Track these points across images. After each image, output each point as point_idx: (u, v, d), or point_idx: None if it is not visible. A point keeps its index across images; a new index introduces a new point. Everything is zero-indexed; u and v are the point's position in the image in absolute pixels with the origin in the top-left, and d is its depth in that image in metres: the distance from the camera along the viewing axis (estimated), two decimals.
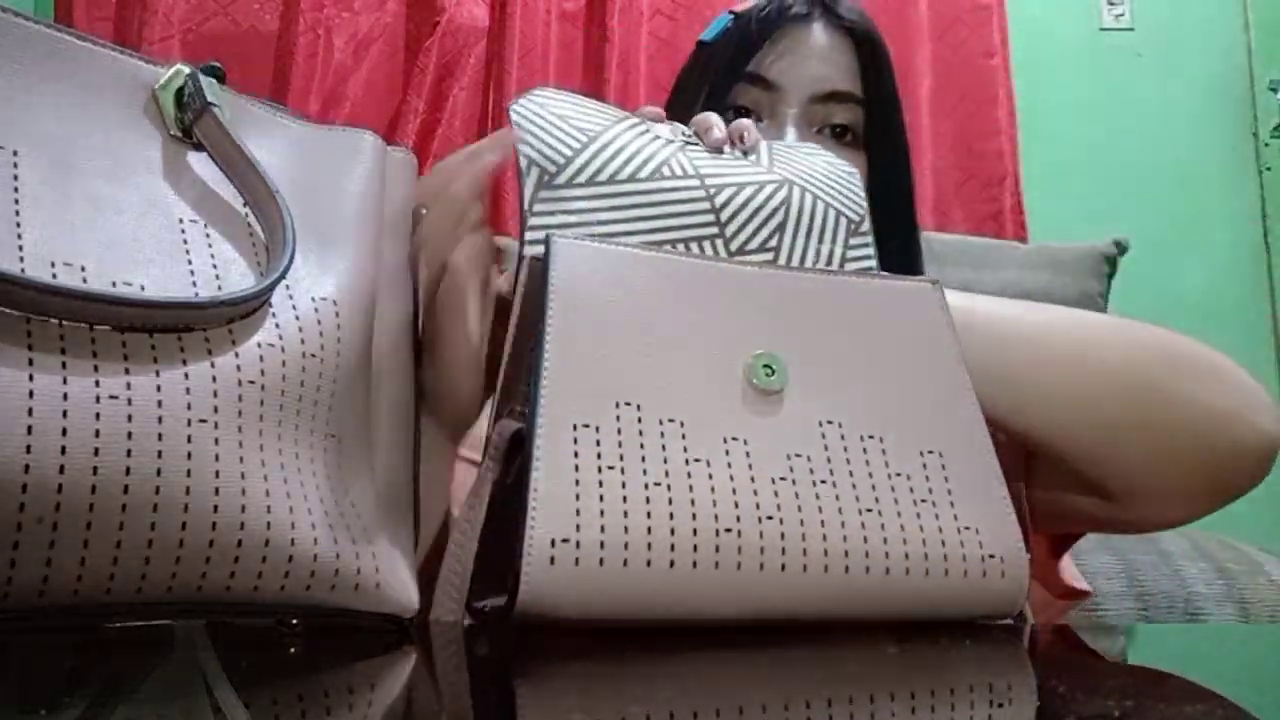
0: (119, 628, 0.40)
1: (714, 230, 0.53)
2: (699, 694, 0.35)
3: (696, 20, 2.03)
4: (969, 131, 2.12)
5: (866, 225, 0.57)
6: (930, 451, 0.48)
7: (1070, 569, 0.70)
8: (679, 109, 0.76)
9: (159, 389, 0.37)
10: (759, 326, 0.49)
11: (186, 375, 0.38)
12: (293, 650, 0.42)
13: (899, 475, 0.47)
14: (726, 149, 0.56)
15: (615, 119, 0.56)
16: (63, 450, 0.35)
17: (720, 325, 0.48)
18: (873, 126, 0.72)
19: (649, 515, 0.43)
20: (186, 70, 0.45)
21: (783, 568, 0.44)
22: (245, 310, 0.40)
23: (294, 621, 0.43)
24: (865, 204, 0.57)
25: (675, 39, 2.10)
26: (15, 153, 0.39)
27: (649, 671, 0.40)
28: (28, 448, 0.34)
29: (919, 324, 0.51)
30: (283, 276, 0.42)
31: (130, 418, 0.36)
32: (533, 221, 0.50)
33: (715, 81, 0.75)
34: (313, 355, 0.43)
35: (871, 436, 0.48)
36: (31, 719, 0.28)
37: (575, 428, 0.43)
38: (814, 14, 0.75)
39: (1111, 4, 2.32)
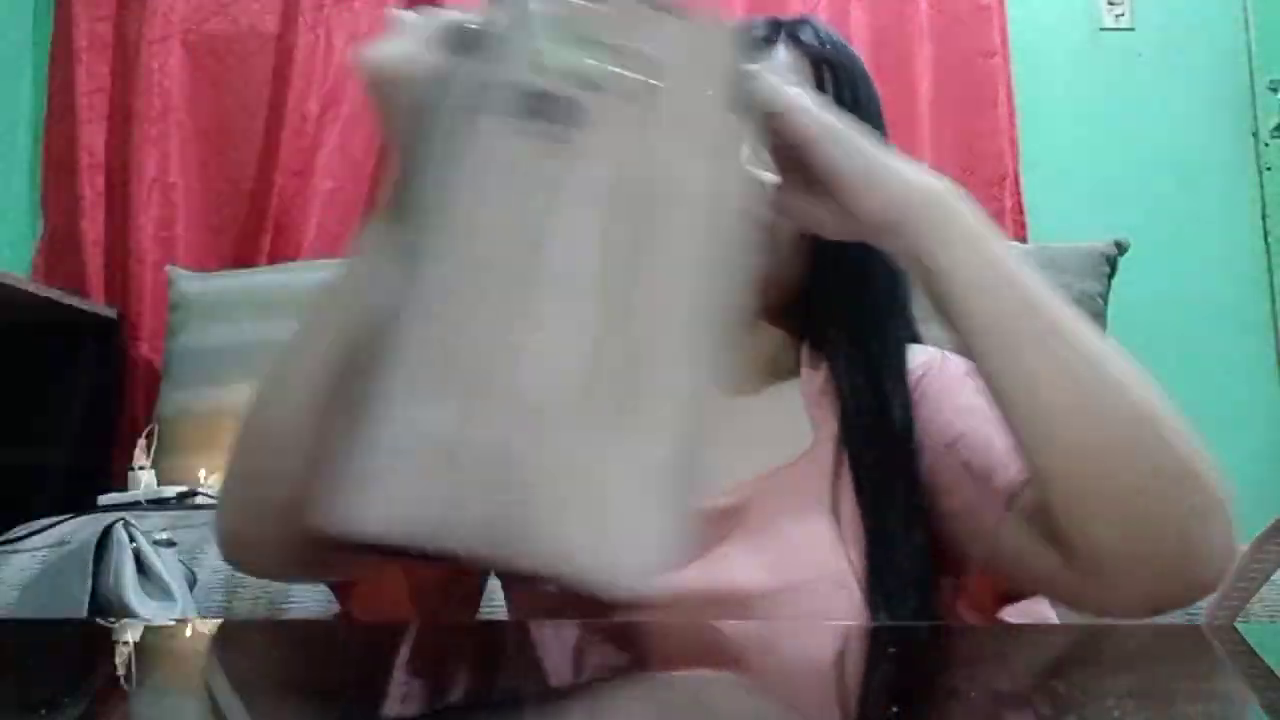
0: (117, 627, 0.40)
1: None
2: (698, 694, 0.35)
3: None
4: (969, 131, 2.12)
5: None
6: None
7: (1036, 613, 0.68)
8: None
9: None
10: None
11: None
12: (293, 650, 0.42)
13: None
14: None
15: None
16: None
17: None
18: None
19: None
20: None
21: None
22: None
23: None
24: None
25: None
26: None
27: (646, 673, 0.40)
28: None
29: None
30: None
31: None
32: None
33: None
34: None
35: None
36: (31, 719, 0.28)
37: None
38: (775, 38, 0.75)
39: (1111, 4, 2.32)
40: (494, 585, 0.76)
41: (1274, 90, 2.27)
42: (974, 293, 0.55)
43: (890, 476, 0.67)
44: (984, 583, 0.67)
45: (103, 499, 1.63)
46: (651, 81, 0.47)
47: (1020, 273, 0.56)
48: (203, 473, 1.73)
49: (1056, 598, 0.63)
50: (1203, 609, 0.68)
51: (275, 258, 2.12)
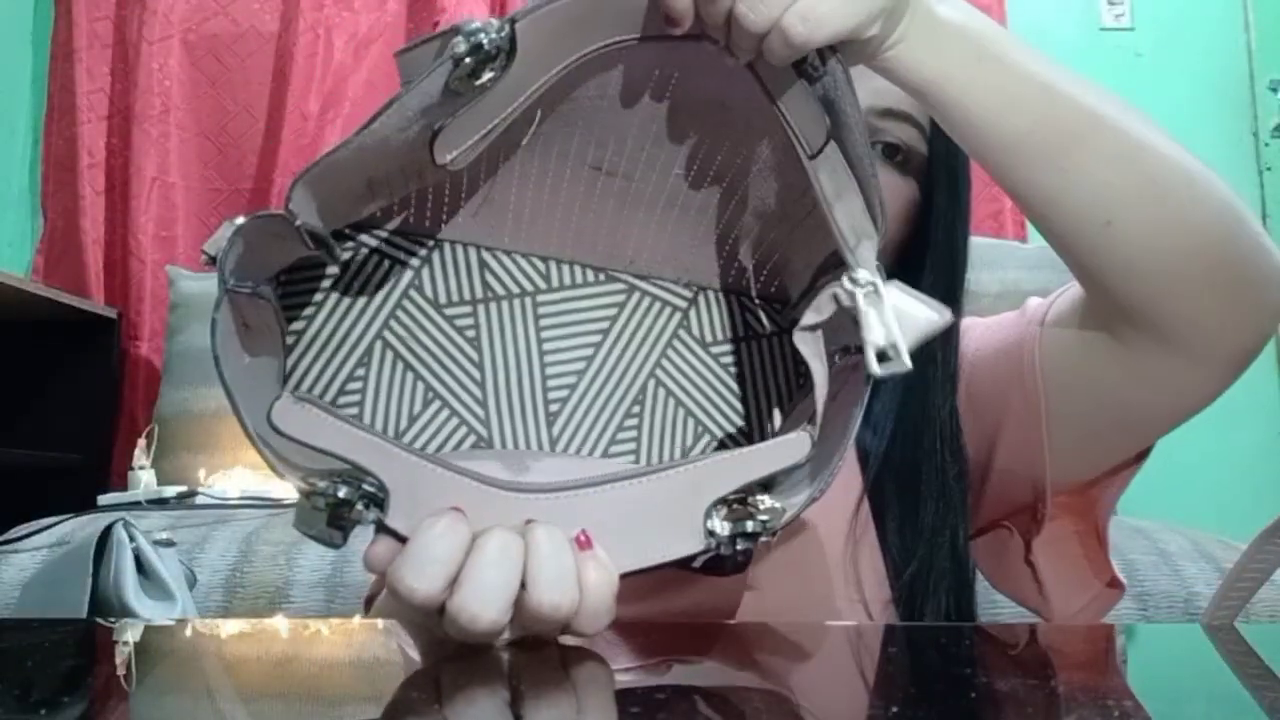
0: (117, 627, 0.40)
1: None
2: (698, 692, 0.35)
3: None
4: None
5: None
6: None
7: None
8: None
9: None
10: None
11: None
12: (294, 650, 0.42)
13: None
14: None
15: None
16: None
17: None
18: (935, 156, 0.66)
19: None
20: None
21: None
22: None
23: None
24: None
25: None
26: None
27: (648, 671, 0.40)
28: None
29: None
30: None
31: None
32: None
33: None
34: None
35: None
36: (31, 719, 0.28)
37: None
38: None
39: (1111, 4, 2.32)
40: None
41: (1274, 90, 2.28)
42: (991, 118, 0.51)
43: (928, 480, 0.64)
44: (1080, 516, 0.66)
45: (103, 499, 1.63)
46: None
47: (1036, 73, 0.53)
48: (203, 473, 1.73)
49: (1111, 395, 0.63)
50: (1202, 609, 0.68)
51: None
